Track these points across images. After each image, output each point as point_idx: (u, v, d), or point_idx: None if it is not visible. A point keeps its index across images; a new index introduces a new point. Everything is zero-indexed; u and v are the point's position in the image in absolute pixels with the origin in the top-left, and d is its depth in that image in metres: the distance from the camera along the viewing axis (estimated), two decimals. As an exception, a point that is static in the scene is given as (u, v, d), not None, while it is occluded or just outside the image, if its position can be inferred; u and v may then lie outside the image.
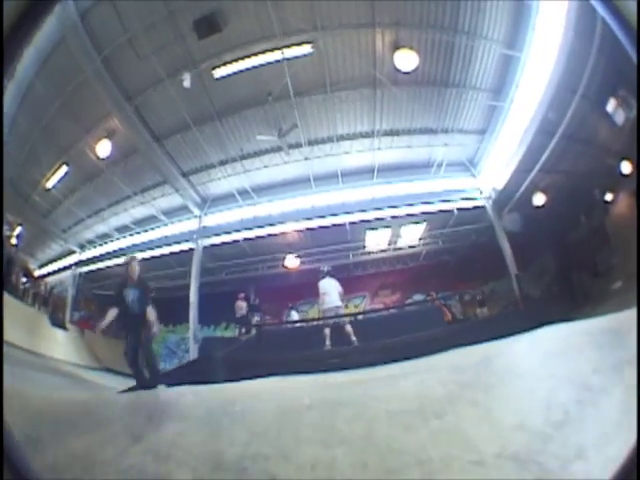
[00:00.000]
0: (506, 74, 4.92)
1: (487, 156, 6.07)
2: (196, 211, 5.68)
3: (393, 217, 6.55)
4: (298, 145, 5.30)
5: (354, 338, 3.98)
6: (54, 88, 4.49)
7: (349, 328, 4.14)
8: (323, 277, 4.65)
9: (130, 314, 3.80)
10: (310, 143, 5.32)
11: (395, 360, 2.92)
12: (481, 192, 7.22)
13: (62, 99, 4.64)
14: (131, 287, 3.89)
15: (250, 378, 2.72)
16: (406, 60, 4.62)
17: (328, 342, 4.24)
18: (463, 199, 6.87)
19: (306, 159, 5.36)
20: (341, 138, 5.48)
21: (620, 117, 6.28)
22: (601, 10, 0.69)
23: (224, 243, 5.63)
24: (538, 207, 7.79)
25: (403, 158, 5.72)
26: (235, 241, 5.56)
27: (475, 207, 7.33)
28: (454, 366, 2.48)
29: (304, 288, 5.60)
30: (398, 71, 4.80)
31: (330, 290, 4.53)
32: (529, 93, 4.95)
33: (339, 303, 4.48)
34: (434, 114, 5.52)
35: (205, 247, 5.76)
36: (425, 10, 4.80)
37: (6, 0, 0.70)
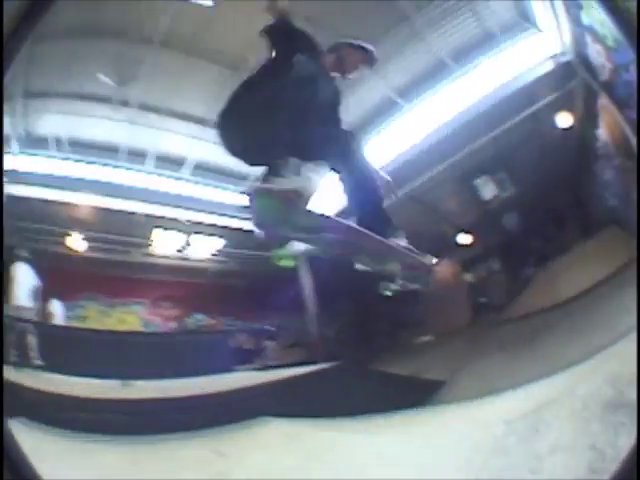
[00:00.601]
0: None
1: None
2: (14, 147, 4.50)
3: (189, 221, 5.79)
4: (127, 104, 4.46)
5: (35, 354, 2.92)
6: None
7: (31, 339, 3.11)
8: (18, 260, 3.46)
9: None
10: (141, 107, 4.48)
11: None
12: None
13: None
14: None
15: None
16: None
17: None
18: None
19: (130, 123, 4.44)
20: (174, 114, 4.69)
21: (488, 194, 6.91)
22: (601, 10, 0.78)
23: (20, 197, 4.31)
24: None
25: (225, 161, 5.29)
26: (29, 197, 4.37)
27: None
28: None
29: (87, 279, 4.61)
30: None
31: (21, 280, 3.40)
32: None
33: (26, 303, 3.38)
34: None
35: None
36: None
37: (6, 0, 0.68)
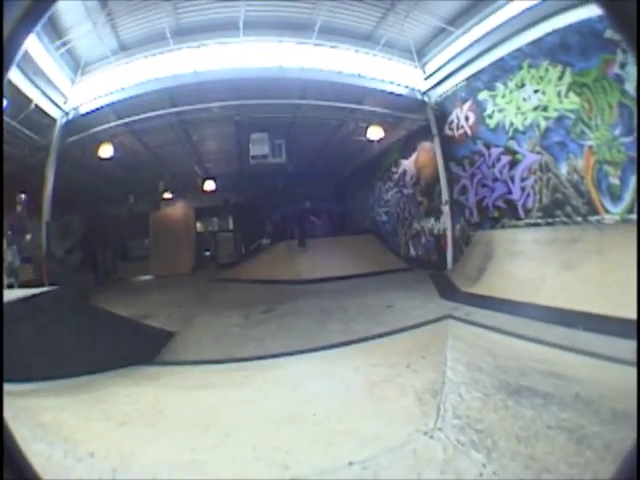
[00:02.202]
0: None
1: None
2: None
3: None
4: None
5: None
6: None
7: None
8: None
9: None
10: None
11: None
12: (65, 105, 6.38)
13: None
14: None
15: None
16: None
17: None
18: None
19: None
20: None
21: (257, 150, 8.31)
22: (601, 10, 0.63)
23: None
24: (105, 159, 6.93)
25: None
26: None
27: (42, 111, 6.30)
28: None
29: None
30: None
31: None
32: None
33: None
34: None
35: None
36: None
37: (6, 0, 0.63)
